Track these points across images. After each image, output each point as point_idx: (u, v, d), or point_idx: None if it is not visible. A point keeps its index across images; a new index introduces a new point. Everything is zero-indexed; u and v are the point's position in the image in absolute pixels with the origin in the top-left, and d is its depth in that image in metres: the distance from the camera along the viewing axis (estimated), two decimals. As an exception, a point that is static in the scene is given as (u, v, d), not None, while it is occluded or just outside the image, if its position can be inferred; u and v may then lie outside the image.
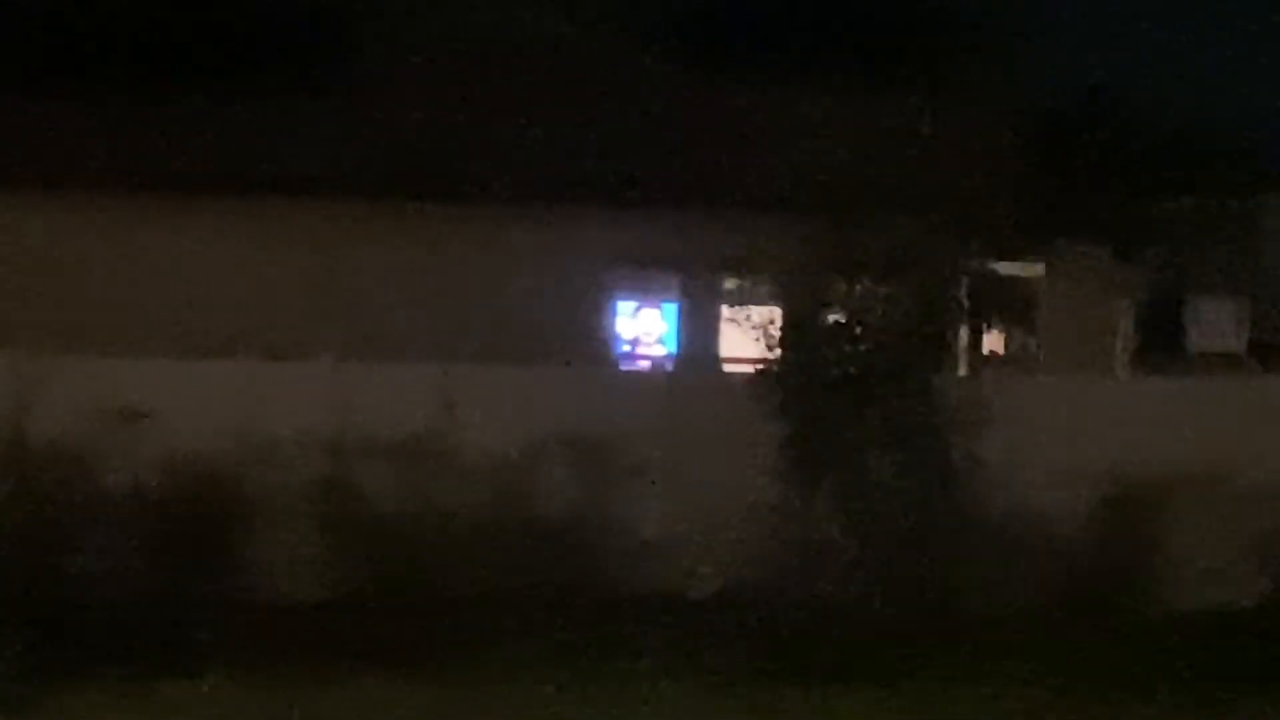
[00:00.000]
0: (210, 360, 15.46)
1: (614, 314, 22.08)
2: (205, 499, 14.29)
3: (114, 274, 19.85)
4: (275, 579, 14.29)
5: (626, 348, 22.50)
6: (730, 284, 16.53)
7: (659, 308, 22.89)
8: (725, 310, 16.31)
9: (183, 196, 20.02)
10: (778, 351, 14.87)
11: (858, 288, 14.66)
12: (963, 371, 16.58)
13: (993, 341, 25.44)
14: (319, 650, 13.32)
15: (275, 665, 13.05)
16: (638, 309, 22.81)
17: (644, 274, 21.83)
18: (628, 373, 20.84)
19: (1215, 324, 36.50)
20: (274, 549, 14.37)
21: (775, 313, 15.19)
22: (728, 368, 18.76)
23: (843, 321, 14.77)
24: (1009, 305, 18.40)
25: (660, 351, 22.71)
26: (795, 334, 14.82)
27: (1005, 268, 16.32)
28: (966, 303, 15.32)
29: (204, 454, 14.33)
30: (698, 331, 21.15)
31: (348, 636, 13.51)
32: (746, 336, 15.19)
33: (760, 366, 14.99)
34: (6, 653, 12.66)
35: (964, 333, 16.85)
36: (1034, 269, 21.16)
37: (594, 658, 13.42)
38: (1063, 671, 13.38)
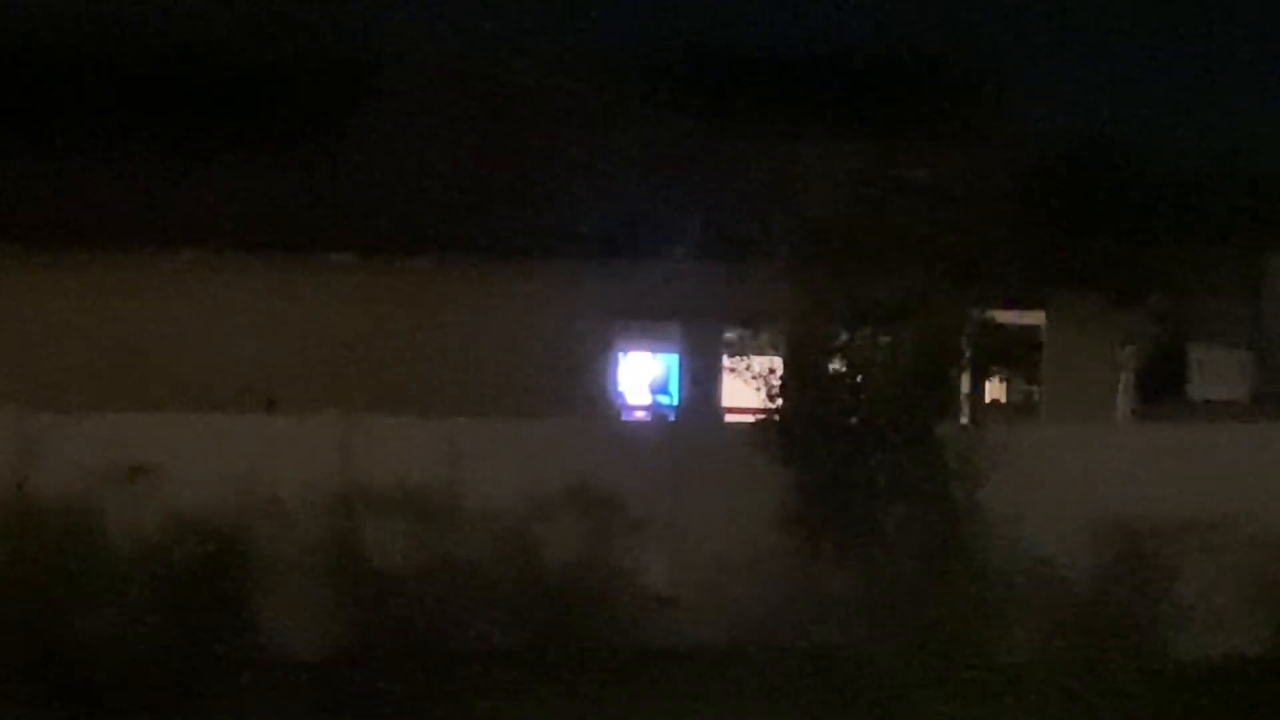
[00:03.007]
0: (216, 415, 15.48)
1: (616, 365, 22.11)
2: (211, 554, 14.27)
3: (117, 329, 19.88)
4: (280, 634, 14.27)
5: (629, 399, 22.53)
6: (731, 334, 16.54)
7: (661, 359, 22.95)
8: (727, 360, 16.31)
9: (189, 253, 20.08)
10: (780, 401, 14.87)
11: (859, 336, 14.68)
12: (965, 420, 16.58)
13: (995, 389, 25.41)
14: (325, 705, 13.32)
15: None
16: (640, 360, 22.86)
17: (646, 325, 21.88)
18: (630, 424, 20.85)
19: (1218, 372, 36.57)
20: (279, 604, 14.35)
21: (776, 362, 15.21)
22: (730, 418, 18.78)
23: (844, 371, 14.78)
24: (1011, 353, 18.38)
25: (663, 402, 22.75)
26: (797, 384, 14.84)
27: (1007, 315, 16.33)
28: (968, 351, 15.32)
29: (210, 509, 14.32)
30: (700, 382, 21.18)
31: (353, 692, 13.50)
32: (748, 386, 15.20)
33: (763, 416, 15.00)
34: (10, 709, 12.67)
35: (966, 381, 16.83)
36: (1036, 317, 21.20)
37: (601, 711, 13.41)
38: (1070, 718, 13.38)
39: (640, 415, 22.54)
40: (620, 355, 22.31)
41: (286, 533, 14.46)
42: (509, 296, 20.38)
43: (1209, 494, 14.95)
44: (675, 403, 22.44)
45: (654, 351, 23.38)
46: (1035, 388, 23.39)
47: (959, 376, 16.03)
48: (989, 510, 14.38)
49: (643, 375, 23.80)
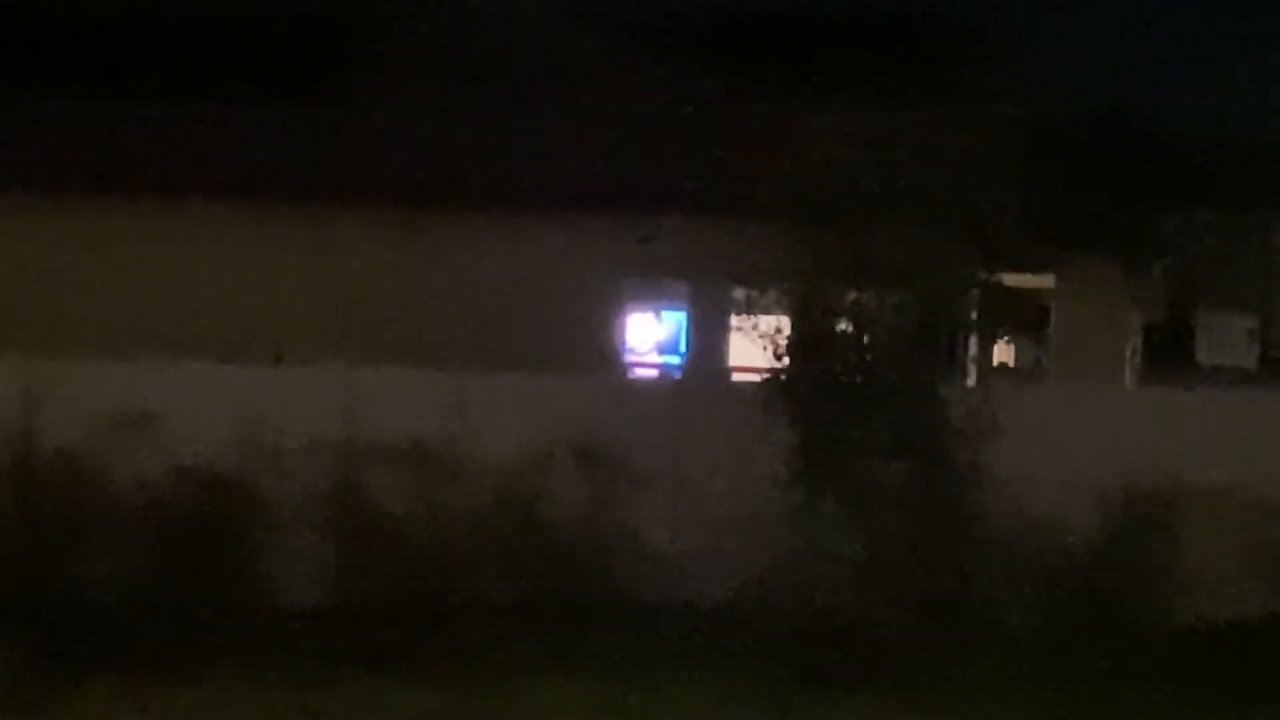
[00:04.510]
0: (220, 365, 15.46)
1: (624, 321, 22.09)
2: (213, 503, 14.30)
3: (124, 279, 19.88)
4: (282, 583, 14.29)
5: (635, 355, 22.51)
6: (739, 293, 16.51)
7: (668, 315, 22.92)
8: (734, 319, 16.28)
9: (195, 202, 20.05)
10: (786, 360, 14.85)
11: (866, 297, 14.65)
12: (971, 382, 16.57)
13: (1002, 352, 25.38)
14: (325, 654, 13.33)
15: (281, 669, 13.08)
16: (647, 316, 22.83)
17: (653, 282, 21.85)
18: (636, 380, 20.84)
19: (1225, 337, 36.55)
20: (281, 553, 14.37)
21: (783, 321, 15.18)
22: (736, 376, 18.77)
23: (851, 331, 14.76)
24: (1018, 316, 18.33)
25: (669, 360, 22.73)
26: (803, 343, 14.81)
27: (1015, 279, 16.28)
28: (975, 313, 15.29)
29: (213, 459, 14.34)
30: (707, 339, 21.16)
31: (354, 641, 13.52)
32: (755, 345, 15.17)
33: (769, 375, 14.98)
34: (12, 654, 12.70)
35: (973, 343, 16.81)
36: (1044, 280, 21.15)
37: (601, 665, 13.43)
38: (1070, 681, 13.40)
39: (647, 372, 22.52)
40: (628, 312, 22.27)
41: (290, 483, 14.48)
42: (518, 251, 20.35)
43: (1215, 459, 14.94)
44: (682, 360, 22.41)
45: (662, 308, 23.33)
46: (1043, 351, 23.38)
47: (966, 339, 16.02)
48: (993, 473, 14.36)
49: (650, 332, 23.76)
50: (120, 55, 20.60)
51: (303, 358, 16.26)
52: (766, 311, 15.44)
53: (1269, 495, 14.87)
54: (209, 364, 15.37)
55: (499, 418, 14.89)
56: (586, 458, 14.82)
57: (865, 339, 14.70)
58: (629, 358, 22.29)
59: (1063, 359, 21.77)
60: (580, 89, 20.94)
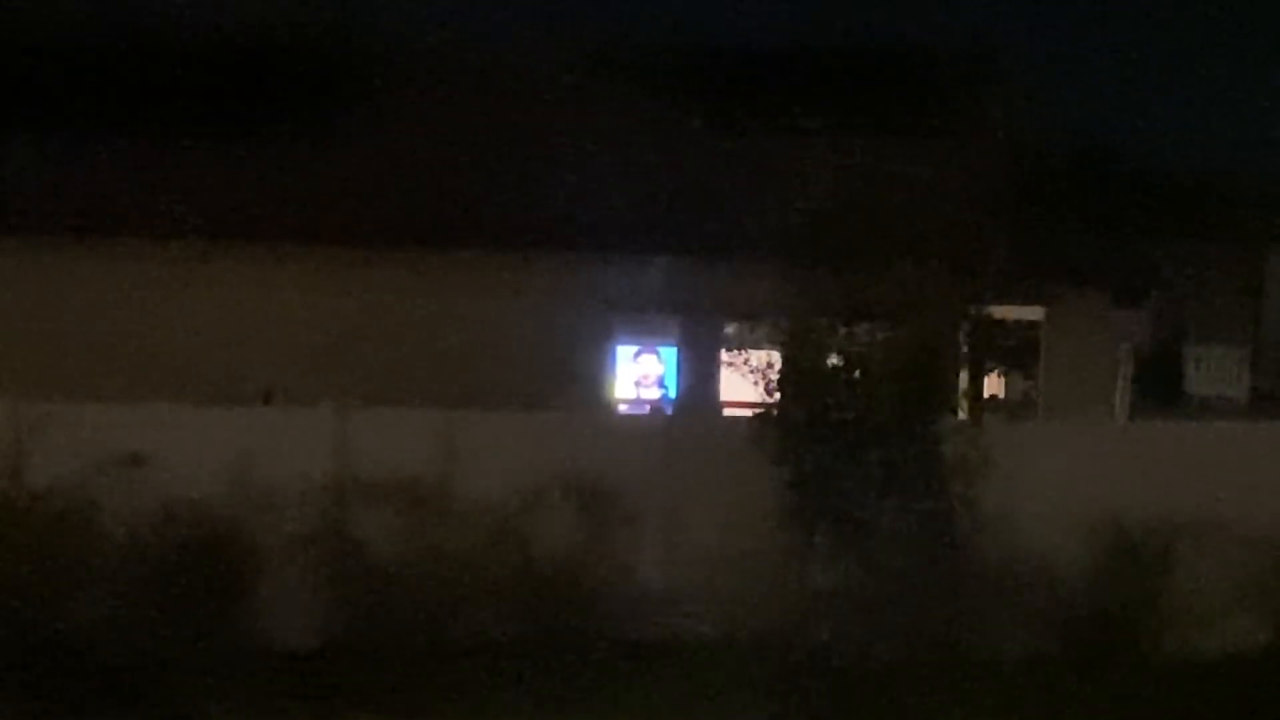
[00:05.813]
0: (211, 406, 15.42)
1: (614, 358, 22.09)
2: (204, 545, 14.24)
3: (112, 320, 19.85)
4: (273, 625, 14.24)
5: (627, 392, 22.51)
6: (730, 328, 16.52)
7: (659, 352, 22.93)
8: (724, 354, 16.29)
9: (184, 242, 20.02)
10: (777, 396, 14.85)
11: (857, 332, 14.65)
12: (962, 415, 16.55)
13: (993, 385, 25.37)
14: (317, 696, 13.30)
15: (274, 711, 13.05)
16: (638, 353, 22.84)
17: (644, 318, 21.85)
18: (627, 417, 20.82)
19: (1215, 369, 36.58)
20: (273, 595, 14.32)
21: (774, 356, 15.18)
22: (728, 412, 18.75)
23: (842, 366, 14.75)
24: (1009, 349, 18.36)
25: (660, 396, 22.73)
26: (795, 378, 14.81)
27: (1005, 311, 16.30)
28: (966, 346, 15.29)
29: (203, 500, 14.29)
30: (697, 376, 21.16)
31: (346, 683, 13.48)
32: (746, 380, 15.17)
33: (760, 411, 14.97)
34: (3, 700, 12.65)
35: (964, 377, 16.80)
36: (1034, 313, 21.17)
37: (594, 703, 13.40)
38: (1064, 717, 13.38)
39: (638, 409, 22.52)
40: (618, 348, 22.28)
41: (281, 524, 14.43)
42: (508, 289, 20.35)
43: (1206, 491, 14.92)
44: (673, 396, 22.42)
45: (653, 345, 23.35)
46: (1033, 384, 23.38)
47: (956, 372, 16.02)
48: (985, 506, 14.36)
49: (641, 369, 23.77)
50: (109, 95, 20.61)
51: (293, 398, 16.22)
52: (757, 347, 15.44)
53: (1260, 527, 14.85)
54: (198, 405, 15.34)
55: (490, 456, 14.86)
56: (578, 495, 14.78)
57: (856, 374, 14.69)
58: (620, 394, 22.28)
59: (1053, 392, 21.78)
60: (570, 126, 20.96)
